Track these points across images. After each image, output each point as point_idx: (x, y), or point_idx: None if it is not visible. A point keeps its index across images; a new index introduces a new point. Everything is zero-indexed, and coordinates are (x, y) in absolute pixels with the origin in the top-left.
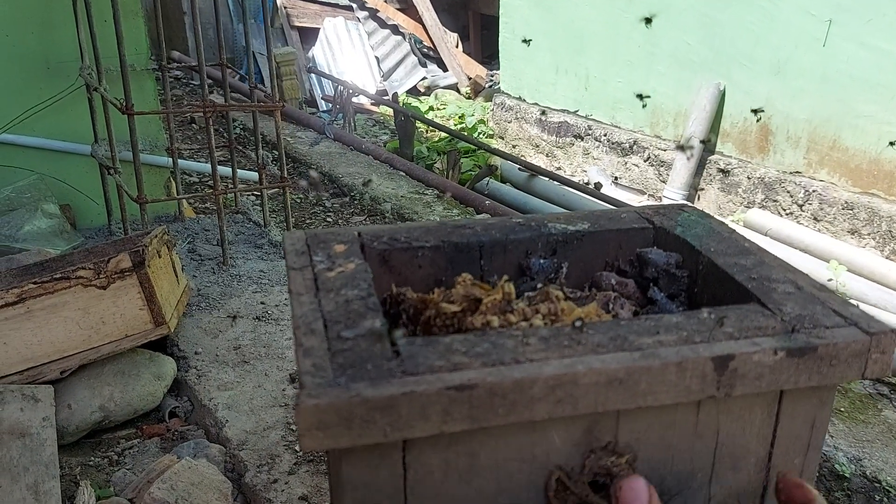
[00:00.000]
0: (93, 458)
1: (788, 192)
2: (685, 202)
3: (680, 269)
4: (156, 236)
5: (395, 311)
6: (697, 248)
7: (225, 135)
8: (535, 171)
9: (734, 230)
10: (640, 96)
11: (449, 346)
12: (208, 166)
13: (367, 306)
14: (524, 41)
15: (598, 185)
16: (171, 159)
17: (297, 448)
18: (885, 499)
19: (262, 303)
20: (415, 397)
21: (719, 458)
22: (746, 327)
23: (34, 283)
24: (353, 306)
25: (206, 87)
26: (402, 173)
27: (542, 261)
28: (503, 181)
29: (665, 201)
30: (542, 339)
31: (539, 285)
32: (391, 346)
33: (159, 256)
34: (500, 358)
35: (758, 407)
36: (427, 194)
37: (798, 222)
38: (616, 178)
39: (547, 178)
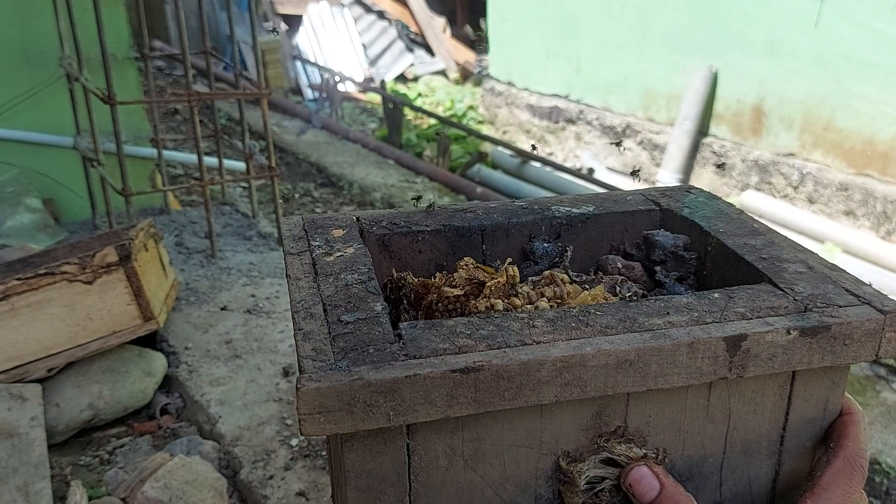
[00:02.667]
0: (83, 458)
1: (783, 174)
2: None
3: (688, 251)
4: (142, 229)
5: (395, 296)
6: (706, 229)
7: (210, 125)
8: (526, 156)
9: (742, 211)
10: (633, 79)
11: (453, 329)
12: (194, 157)
13: (367, 290)
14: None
15: (590, 171)
16: (155, 150)
17: (292, 443)
18: (884, 480)
19: (252, 295)
20: (419, 381)
21: (730, 441)
22: (758, 307)
23: (18, 279)
24: (353, 290)
25: (191, 75)
26: (391, 162)
27: (545, 244)
28: (494, 167)
29: (659, 185)
30: (548, 322)
31: (544, 269)
32: (393, 330)
33: (146, 250)
34: (505, 340)
35: (770, 389)
36: (417, 182)
37: (793, 204)
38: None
39: (539, 164)
